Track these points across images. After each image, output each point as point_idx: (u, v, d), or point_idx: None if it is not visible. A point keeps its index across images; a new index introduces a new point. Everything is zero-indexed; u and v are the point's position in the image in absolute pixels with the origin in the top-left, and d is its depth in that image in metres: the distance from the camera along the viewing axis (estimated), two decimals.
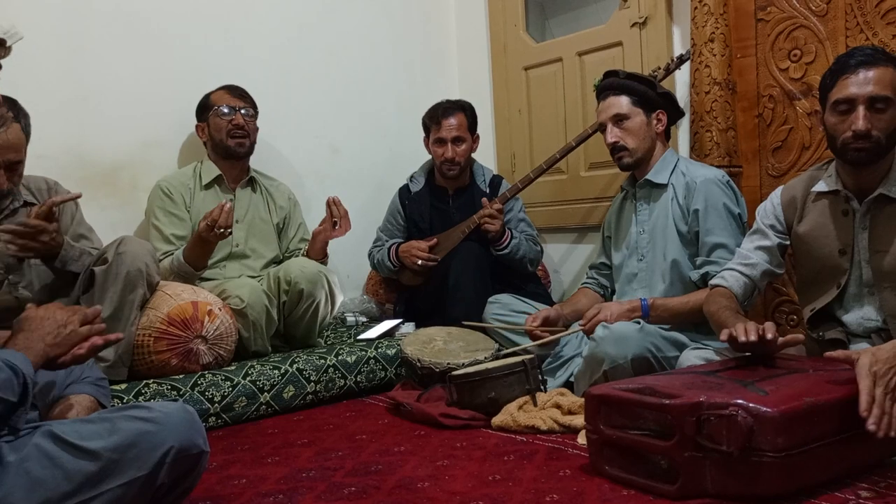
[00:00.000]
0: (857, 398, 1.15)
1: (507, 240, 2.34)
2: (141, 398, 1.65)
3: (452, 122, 2.40)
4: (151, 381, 1.72)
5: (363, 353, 2.07)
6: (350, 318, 2.59)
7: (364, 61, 2.87)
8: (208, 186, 2.26)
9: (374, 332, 2.28)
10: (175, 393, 1.71)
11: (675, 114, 2.00)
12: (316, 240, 2.26)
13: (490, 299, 2.17)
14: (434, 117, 2.44)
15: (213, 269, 2.20)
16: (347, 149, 2.82)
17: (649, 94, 1.92)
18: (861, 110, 1.40)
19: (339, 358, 2.01)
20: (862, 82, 1.40)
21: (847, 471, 1.20)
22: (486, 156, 2.88)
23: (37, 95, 1.93)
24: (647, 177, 1.93)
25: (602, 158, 2.44)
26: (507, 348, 2.05)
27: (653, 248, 1.92)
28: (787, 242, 1.63)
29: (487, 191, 2.48)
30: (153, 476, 1.03)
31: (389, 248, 2.49)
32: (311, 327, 2.16)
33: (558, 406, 1.65)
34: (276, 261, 2.33)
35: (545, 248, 2.73)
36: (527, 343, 1.99)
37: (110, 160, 2.28)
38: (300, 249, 2.34)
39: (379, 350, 2.11)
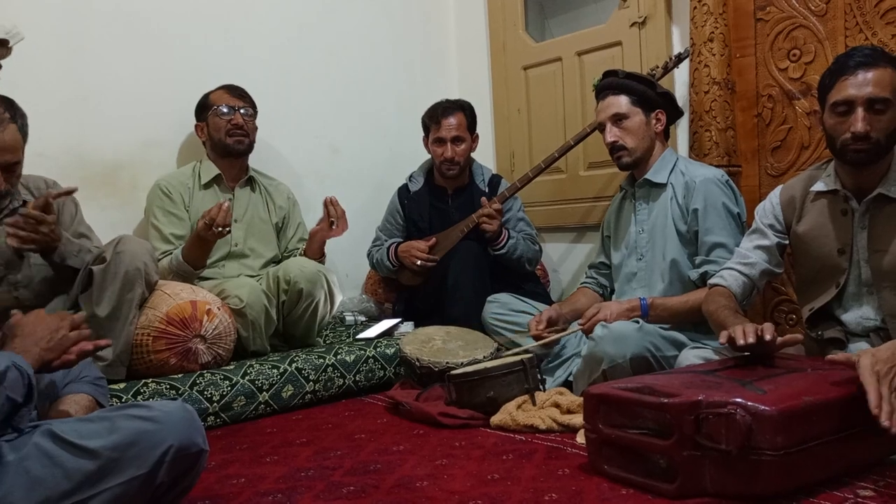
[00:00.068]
0: (855, 397, 1.15)
1: (504, 240, 2.34)
2: (139, 397, 1.65)
3: (452, 122, 2.41)
4: (150, 380, 1.72)
5: (362, 352, 2.07)
6: (349, 318, 2.59)
7: (364, 61, 2.87)
8: (207, 186, 2.26)
9: (372, 332, 2.28)
10: (174, 392, 1.71)
11: (674, 113, 2.00)
12: (313, 239, 2.26)
13: (489, 298, 2.17)
14: (433, 117, 2.44)
15: (212, 269, 2.20)
16: (347, 149, 2.82)
17: (648, 93, 1.92)
18: (860, 112, 1.40)
19: (338, 357, 2.01)
20: (861, 84, 1.40)
21: (846, 469, 1.20)
22: (485, 155, 2.88)
23: (37, 95, 1.94)
24: (647, 176, 1.93)
25: (601, 158, 2.45)
26: (506, 348, 2.05)
27: (652, 248, 1.92)
28: (786, 242, 1.63)
29: (486, 190, 2.48)
30: (152, 475, 1.03)
31: (389, 248, 2.50)
32: (310, 327, 2.16)
33: (557, 405, 1.65)
34: (275, 260, 2.33)
35: (544, 248, 2.74)
36: (526, 342, 1.99)
37: (110, 160, 2.28)
38: (299, 249, 2.34)
39: (378, 349, 2.11)
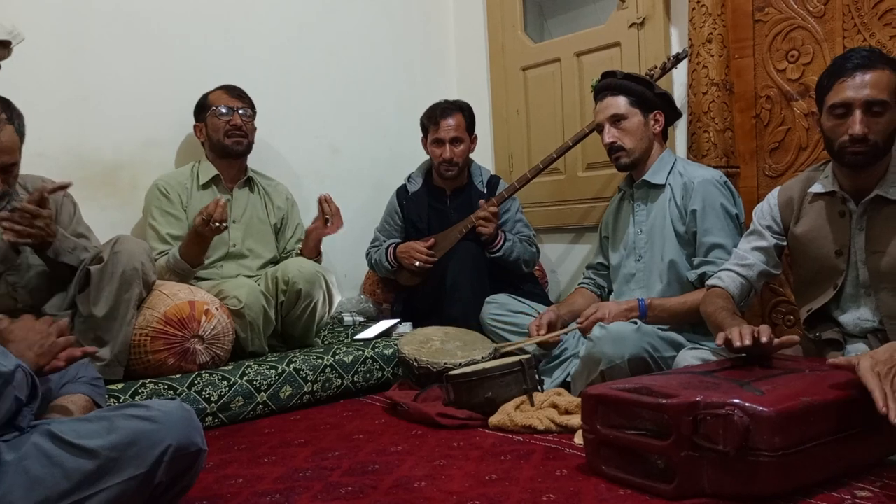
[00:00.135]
0: (853, 399, 1.16)
1: (500, 243, 2.34)
2: (138, 397, 1.65)
3: (451, 123, 2.41)
4: (148, 380, 1.72)
5: (360, 352, 2.07)
6: (347, 318, 2.59)
7: (364, 61, 2.87)
8: (205, 186, 2.26)
9: (371, 332, 2.29)
10: (172, 392, 1.71)
11: (672, 114, 2.00)
12: (309, 238, 2.27)
13: (487, 299, 2.18)
14: (432, 118, 2.44)
15: (210, 269, 2.20)
16: (347, 149, 2.83)
17: (647, 94, 1.92)
18: (858, 114, 1.40)
19: (337, 358, 2.01)
20: (858, 86, 1.40)
21: (844, 470, 1.21)
22: (483, 156, 2.89)
23: (37, 95, 1.95)
24: (645, 177, 1.94)
25: (600, 159, 2.45)
26: (505, 348, 2.05)
27: (650, 249, 1.92)
28: (784, 243, 1.63)
29: (485, 191, 2.49)
30: (151, 474, 1.04)
31: (387, 249, 2.50)
32: (308, 327, 2.16)
33: (555, 406, 1.65)
34: (274, 261, 2.33)
35: (543, 248, 2.74)
36: (526, 342, 1.99)
37: (110, 160, 2.29)
38: (297, 250, 2.34)
39: (376, 350, 2.11)
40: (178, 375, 1.78)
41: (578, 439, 1.47)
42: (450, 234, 2.41)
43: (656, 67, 2.23)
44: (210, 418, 1.75)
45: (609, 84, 1.95)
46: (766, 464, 1.10)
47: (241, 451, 1.58)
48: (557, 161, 2.47)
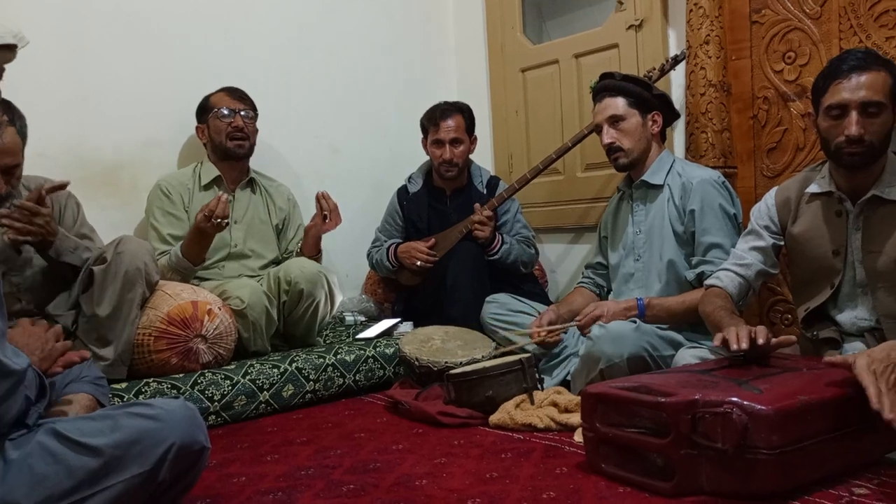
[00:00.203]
0: (851, 397, 1.17)
1: (497, 245, 2.35)
2: (141, 397, 1.65)
3: (450, 124, 2.42)
4: (151, 379, 1.73)
5: (362, 352, 2.08)
6: (349, 318, 2.60)
7: (364, 61, 2.88)
8: (207, 187, 2.27)
9: (372, 332, 2.30)
10: (175, 392, 1.72)
11: (670, 115, 2.01)
12: (308, 235, 2.27)
13: (487, 299, 2.19)
14: (432, 119, 2.45)
15: (212, 270, 2.21)
16: (347, 149, 2.83)
17: (645, 95, 1.93)
18: (854, 115, 1.41)
19: (338, 357, 2.02)
20: (854, 87, 1.41)
21: (841, 468, 1.22)
22: (483, 157, 2.89)
23: (37, 95, 1.94)
24: (644, 178, 1.95)
25: (598, 159, 2.46)
26: (505, 347, 2.06)
27: (649, 249, 1.93)
28: (782, 243, 1.64)
29: (485, 192, 2.50)
30: (155, 472, 1.04)
31: (388, 248, 2.51)
32: (310, 327, 2.17)
33: (555, 404, 1.66)
34: (276, 261, 2.34)
35: (542, 248, 2.75)
36: (526, 342, 2.00)
37: (110, 160, 2.29)
38: (298, 249, 2.35)
39: (377, 349, 2.12)
40: (181, 375, 1.78)
41: (578, 437, 1.48)
42: (450, 235, 2.42)
43: (655, 69, 2.24)
44: (213, 417, 1.76)
45: (607, 85, 1.96)
46: (765, 462, 1.11)
47: (244, 450, 1.59)
48: (556, 161, 2.48)
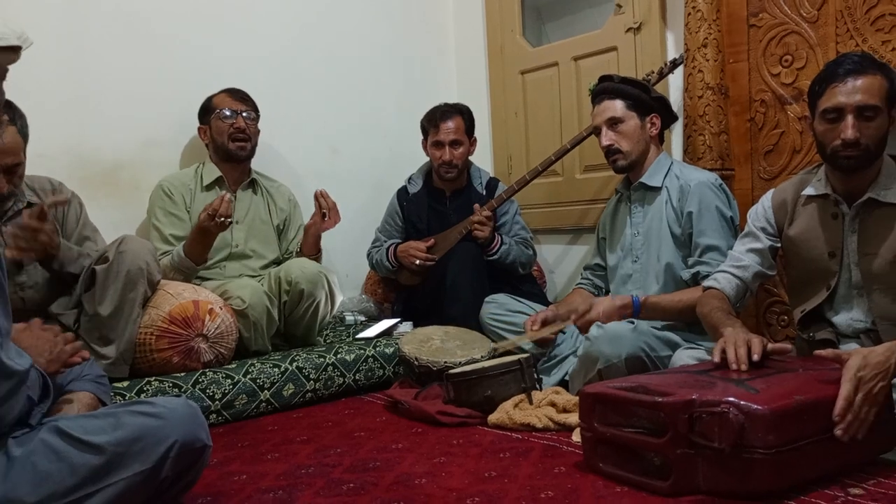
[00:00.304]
0: None
1: (497, 246, 2.36)
2: (143, 395, 1.66)
3: (450, 126, 2.43)
4: (153, 378, 1.74)
5: (362, 351, 2.09)
6: (349, 318, 2.61)
7: (364, 61, 2.88)
8: (209, 188, 2.27)
9: (372, 331, 2.30)
10: (176, 390, 1.73)
11: (668, 118, 2.03)
12: (308, 234, 2.28)
13: (486, 299, 2.20)
14: (432, 120, 2.46)
15: (213, 270, 2.22)
16: (347, 149, 2.84)
17: (643, 98, 1.95)
18: (850, 119, 1.42)
19: (339, 356, 2.03)
20: (850, 91, 1.42)
21: (837, 468, 1.23)
22: (482, 158, 2.90)
23: (37, 95, 1.94)
24: (642, 180, 1.96)
25: (597, 161, 2.47)
26: (497, 344, 2.07)
27: (647, 250, 1.95)
28: (778, 245, 1.65)
29: (484, 193, 2.51)
30: (157, 470, 1.05)
31: (388, 249, 2.52)
32: (311, 326, 2.18)
33: (553, 404, 1.67)
34: (277, 261, 2.34)
35: (540, 250, 2.76)
36: (526, 342, 2.01)
37: (111, 160, 2.29)
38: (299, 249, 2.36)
39: (377, 349, 2.13)
40: (182, 373, 1.79)
41: (576, 437, 1.49)
42: (449, 235, 2.43)
43: (653, 72, 2.26)
44: (214, 416, 1.77)
45: (606, 88, 1.97)
46: (761, 461, 1.12)
47: (245, 448, 1.60)
48: (555, 163, 2.49)
